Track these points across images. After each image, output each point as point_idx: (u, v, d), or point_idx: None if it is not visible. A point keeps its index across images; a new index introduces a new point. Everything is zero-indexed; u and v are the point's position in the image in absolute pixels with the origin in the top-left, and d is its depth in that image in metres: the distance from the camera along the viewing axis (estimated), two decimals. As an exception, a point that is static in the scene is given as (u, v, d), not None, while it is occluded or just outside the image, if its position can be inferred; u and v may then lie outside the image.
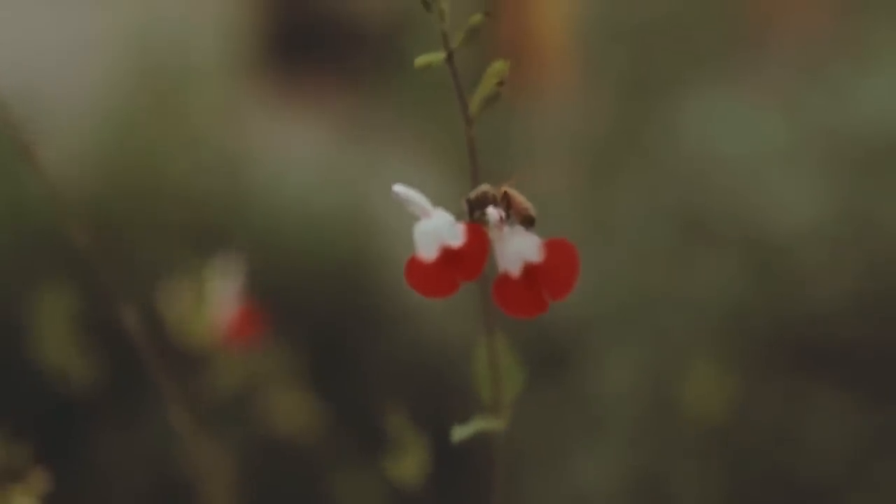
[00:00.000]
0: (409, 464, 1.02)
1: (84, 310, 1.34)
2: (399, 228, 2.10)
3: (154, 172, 2.24)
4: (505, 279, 0.76)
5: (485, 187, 0.78)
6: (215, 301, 1.30)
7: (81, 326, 1.34)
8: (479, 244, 0.75)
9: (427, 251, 0.76)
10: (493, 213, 0.76)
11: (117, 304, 1.05)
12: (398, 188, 0.77)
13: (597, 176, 2.27)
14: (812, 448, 1.90)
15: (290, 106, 2.91)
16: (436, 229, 0.76)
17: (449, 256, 0.75)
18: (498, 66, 0.77)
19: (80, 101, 2.40)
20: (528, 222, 0.78)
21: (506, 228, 0.76)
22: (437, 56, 0.76)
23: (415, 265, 0.76)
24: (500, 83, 0.76)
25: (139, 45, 2.43)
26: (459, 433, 0.83)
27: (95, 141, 2.28)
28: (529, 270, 0.76)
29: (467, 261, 0.75)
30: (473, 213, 0.78)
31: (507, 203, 0.78)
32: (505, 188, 0.78)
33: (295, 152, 2.47)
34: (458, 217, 0.77)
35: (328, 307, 2.09)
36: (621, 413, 1.91)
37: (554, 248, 0.76)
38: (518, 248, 0.76)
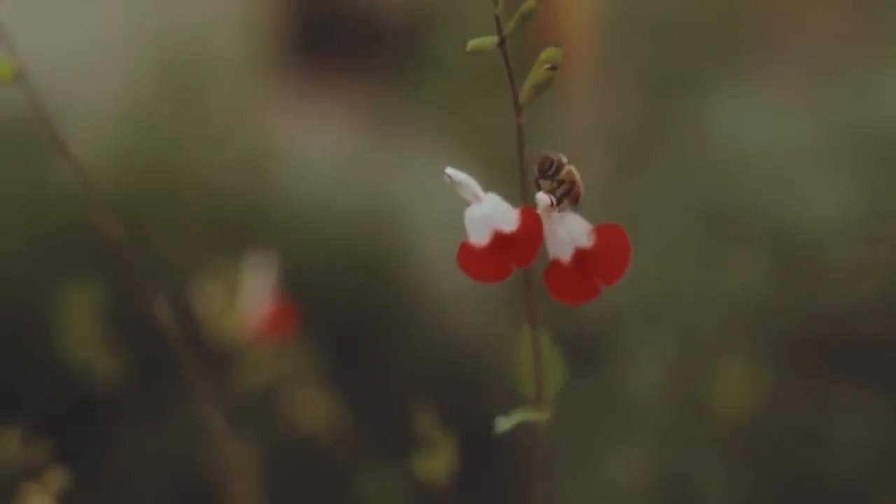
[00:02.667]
0: (438, 462, 1.01)
1: (108, 307, 1.34)
2: (424, 224, 2.09)
3: (176, 169, 2.24)
4: (556, 265, 0.76)
5: (563, 157, 0.78)
6: (247, 298, 1.30)
7: (106, 323, 1.34)
8: (533, 229, 0.75)
9: (479, 236, 0.75)
10: (542, 198, 0.75)
11: (150, 298, 1.04)
12: (450, 171, 0.76)
13: (623, 172, 2.26)
14: (839, 447, 1.89)
15: (313, 102, 2.90)
16: (487, 214, 0.75)
17: (501, 241, 0.75)
18: (550, 53, 0.76)
19: (103, 98, 2.40)
20: (576, 201, 0.77)
21: (555, 214, 0.75)
22: (490, 40, 0.75)
23: (467, 250, 0.75)
24: (553, 68, 0.76)
25: (161, 42, 2.43)
26: (503, 424, 0.82)
27: (118, 138, 2.28)
28: (580, 256, 0.75)
29: (521, 246, 0.74)
30: (546, 172, 0.77)
31: (571, 180, 0.77)
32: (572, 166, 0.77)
33: (318, 148, 2.46)
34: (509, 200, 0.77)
35: (353, 304, 2.08)
36: (649, 411, 1.90)
37: (604, 233, 0.76)
38: (569, 234, 0.75)
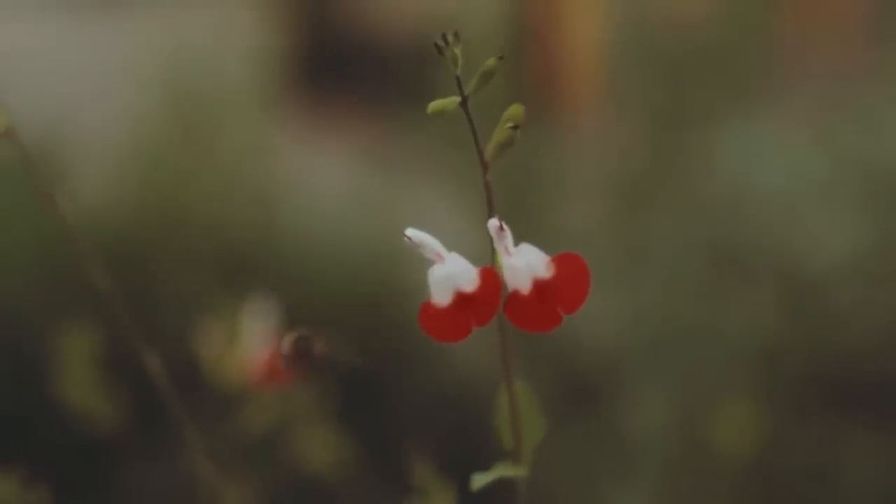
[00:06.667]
0: (436, 510, 1.01)
1: (110, 345, 1.33)
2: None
3: (183, 202, 2.24)
4: (515, 297, 0.75)
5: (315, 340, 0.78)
6: (248, 341, 1.29)
7: (107, 362, 1.33)
8: (492, 289, 0.75)
9: (441, 297, 0.75)
10: (492, 223, 0.75)
11: (139, 347, 1.04)
12: (411, 232, 0.76)
13: (630, 208, 2.26)
14: (846, 486, 1.88)
15: (320, 135, 2.91)
16: (450, 275, 0.75)
17: (462, 301, 0.75)
18: (513, 111, 0.75)
19: (111, 130, 2.41)
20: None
21: (512, 248, 0.75)
22: (451, 101, 0.75)
23: (428, 310, 0.75)
24: (516, 127, 0.75)
25: (168, 74, 2.44)
26: (479, 481, 0.82)
27: (125, 170, 2.29)
28: (540, 286, 0.74)
29: (480, 306, 0.74)
30: (302, 352, 0.79)
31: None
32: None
33: (325, 182, 2.46)
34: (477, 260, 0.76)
35: (359, 340, 2.07)
36: (653, 450, 1.89)
37: (563, 263, 0.75)
38: (527, 265, 0.75)
